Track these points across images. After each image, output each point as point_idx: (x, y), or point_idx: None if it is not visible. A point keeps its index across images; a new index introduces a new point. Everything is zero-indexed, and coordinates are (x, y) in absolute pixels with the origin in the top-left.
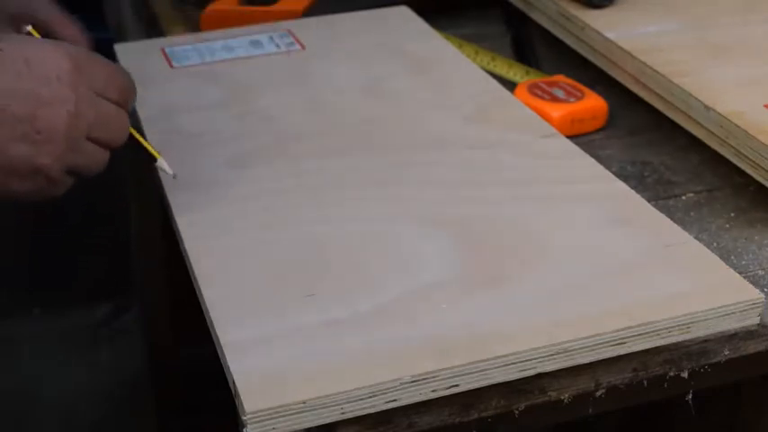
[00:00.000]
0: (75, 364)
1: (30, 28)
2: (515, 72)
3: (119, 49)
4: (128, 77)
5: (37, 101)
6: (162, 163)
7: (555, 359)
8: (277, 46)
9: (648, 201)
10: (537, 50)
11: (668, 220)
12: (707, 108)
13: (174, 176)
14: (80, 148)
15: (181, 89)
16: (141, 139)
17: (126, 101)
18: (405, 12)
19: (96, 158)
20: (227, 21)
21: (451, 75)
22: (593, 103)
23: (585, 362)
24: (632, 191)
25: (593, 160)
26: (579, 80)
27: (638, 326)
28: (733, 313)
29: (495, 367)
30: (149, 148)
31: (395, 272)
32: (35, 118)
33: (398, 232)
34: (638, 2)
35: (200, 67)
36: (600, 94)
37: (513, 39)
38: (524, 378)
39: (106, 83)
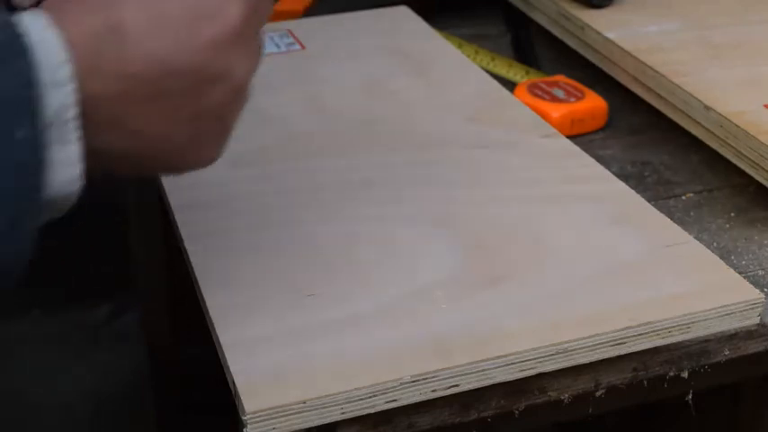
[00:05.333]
0: (76, 364)
1: None
2: (515, 72)
3: None
4: None
5: None
6: None
7: (555, 359)
8: (277, 46)
9: (648, 201)
10: (537, 50)
11: (668, 220)
12: (707, 108)
13: None
14: (255, 49)
15: None
16: None
17: None
18: (405, 12)
19: (257, 61)
20: None
21: (451, 75)
22: (593, 103)
23: (585, 362)
24: (632, 191)
25: (593, 160)
26: (579, 80)
27: (639, 326)
28: (733, 313)
29: (496, 367)
30: None
31: (395, 272)
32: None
33: (398, 232)
34: (638, 2)
35: None
36: (600, 94)
37: (513, 39)
38: (524, 378)
39: None
